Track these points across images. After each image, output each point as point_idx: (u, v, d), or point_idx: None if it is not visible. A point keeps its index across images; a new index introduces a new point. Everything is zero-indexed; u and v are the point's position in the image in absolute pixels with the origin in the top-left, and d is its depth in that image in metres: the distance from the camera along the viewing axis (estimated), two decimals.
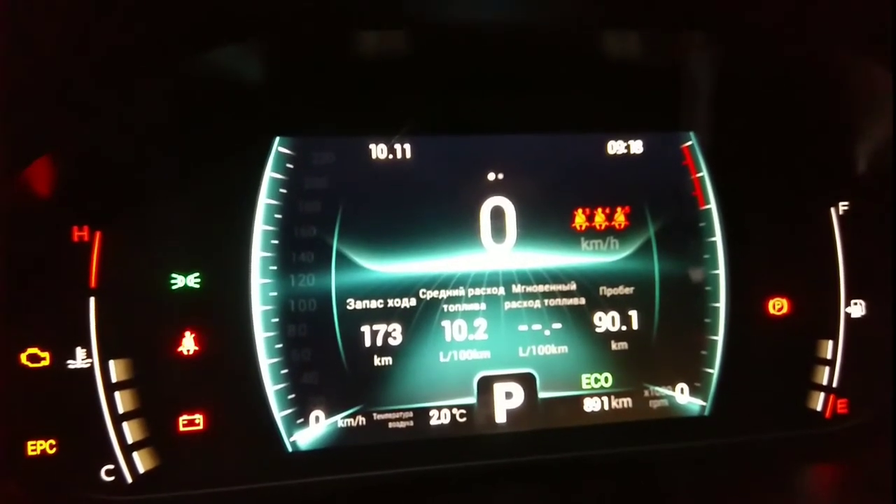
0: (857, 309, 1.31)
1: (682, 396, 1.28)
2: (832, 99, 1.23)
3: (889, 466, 1.15)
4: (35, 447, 1.09)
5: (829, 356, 1.30)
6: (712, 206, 1.29)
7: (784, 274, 1.30)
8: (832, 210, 1.31)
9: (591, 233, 1.27)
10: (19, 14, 0.84)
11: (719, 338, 1.28)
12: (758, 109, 1.31)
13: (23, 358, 1.09)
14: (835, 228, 1.31)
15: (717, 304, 1.28)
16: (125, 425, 1.11)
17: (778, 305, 1.30)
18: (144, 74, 0.97)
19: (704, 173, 1.30)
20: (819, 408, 1.30)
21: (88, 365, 1.11)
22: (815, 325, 1.31)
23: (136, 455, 1.12)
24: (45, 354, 1.09)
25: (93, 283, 1.11)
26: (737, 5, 1.01)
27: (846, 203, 1.31)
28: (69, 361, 1.10)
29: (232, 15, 0.91)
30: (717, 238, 1.29)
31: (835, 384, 1.29)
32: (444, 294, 1.23)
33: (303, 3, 0.90)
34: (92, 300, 1.11)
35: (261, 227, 1.18)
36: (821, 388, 1.30)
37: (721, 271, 1.28)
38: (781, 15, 1.02)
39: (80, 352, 1.10)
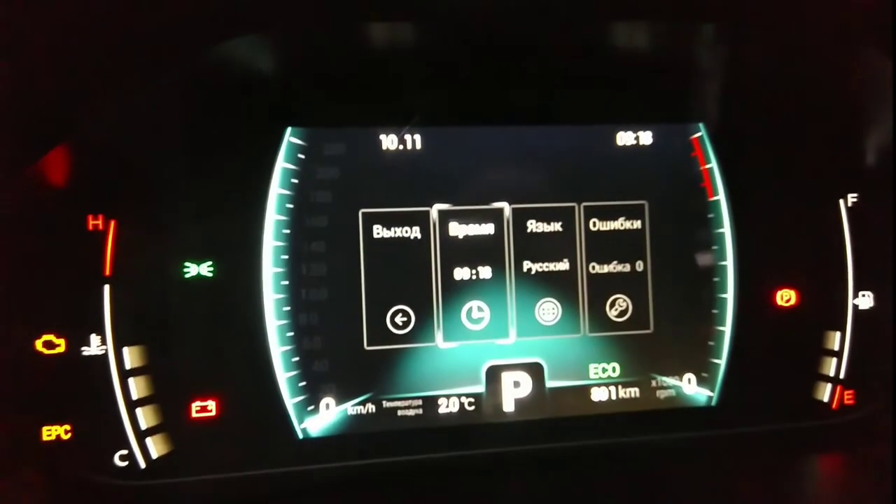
0: (865, 300, 1.31)
1: (690, 386, 1.29)
2: (841, 92, 1.23)
3: (894, 456, 1.16)
4: (50, 432, 1.10)
5: (836, 347, 1.30)
6: (721, 197, 1.30)
7: (792, 265, 1.31)
8: (841, 202, 1.31)
9: (600, 223, 1.28)
10: (36, 6, 0.85)
11: (727, 328, 1.28)
12: (767, 101, 1.31)
13: (38, 344, 1.10)
14: (843, 220, 1.31)
15: (724, 295, 1.29)
16: (139, 411, 1.13)
17: (786, 296, 1.31)
18: (159, 66, 0.98)
19: (713, 164, 1.30)
20: (826, 399, 1.30)
21: (103, 352, 1.12)
22: (823, 316, 1.31)
23: (149, 441, 1.13)
24: (61, 341, 1.11)
25: (107, 271, 1.13)
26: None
27: (855, 195, 1.31)
28: (84, 348, 1.12)
29: (245, 8, 0.92)
30: (726, 229, 1.29)
31: (842, 375, 1.30)
32: (452, 283, 1.24)
33: None
34: (106, 288, 1.12)
35: (273, 216, 1.19)
36: (828, 379, 1.30)
37: (729, 262, 1.29)
38: (789, 8, 1.03)
39: (94, 339, 1.12)
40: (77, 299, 1.12)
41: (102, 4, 0.88)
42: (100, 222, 1.13)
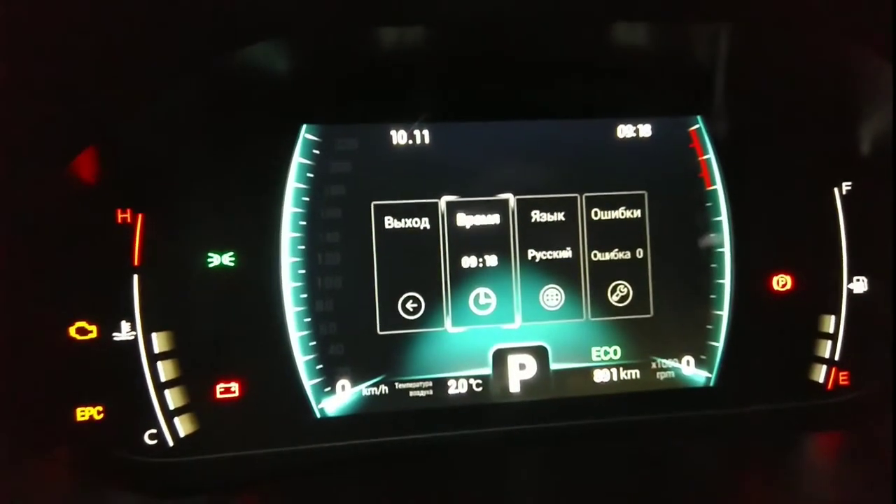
0: (859, 285, 1.34)
1: (689, 368, 1.33)
2: (835, 84, 1.26)
3: (888, 436, 1.20)
4: (84, 413, 1.16)
5: (831, 330, 1.33)
6: (718, 186, 1.33)
7: (788, 251, 1.34)
8: (835, 190, 1.34)
9: (602, 213, 1.32)
10: (68, 20, 0.90)
11: (724, 313, 1.32)
12: (763, 94, 1.34)
13: (72, 331, 1.15)
14: (838, 208, 1.34)
15: (722, 281, 1.32)
16: (167, 393, 1.18)
17: (782, 282, 1.34)
18: (184, 70, 1.03)
19: (711, 155, 1.33)
20: (821, 380, 1.34)
21: (133, 337, 1.17)
22: (818, 300, 1.34)
23: (177, 420, 1.18)
24: (93, 328, 1.16)
25: (136, 262, 1.17)
26: None
27: (849, 183, 1.34)
28: (115, 334, 1.17)
29: (263, 14, 0.96)
30: (723, 217, 1.33)
31: (836, 357, 1.33)
32: (460, 271, 1.29)
33: (328, 2, 0.96)
34: (135, 277, 1.17)
35: (290, 209, 1.23)
36: (823, 360, 1.33)
37: (726, 249, 1.32)
38: (788, 5, 1.06)
39: (124, 325, 1.17)
40: (108, 288, 1.17)
41: (132, 13, 0.92)
42: (128, 216, 1.18)
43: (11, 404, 1.06)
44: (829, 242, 1.35)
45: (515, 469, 1.22)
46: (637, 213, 1.33)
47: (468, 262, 1.29)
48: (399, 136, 1.28)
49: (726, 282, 1.32)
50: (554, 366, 1.30)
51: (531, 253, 1.30)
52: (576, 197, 1.32)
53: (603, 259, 1.32)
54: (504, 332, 1.30)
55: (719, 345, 1.32)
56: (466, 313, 1.29)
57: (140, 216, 1.18)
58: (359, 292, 1.26)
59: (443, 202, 1.29)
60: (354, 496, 1.15)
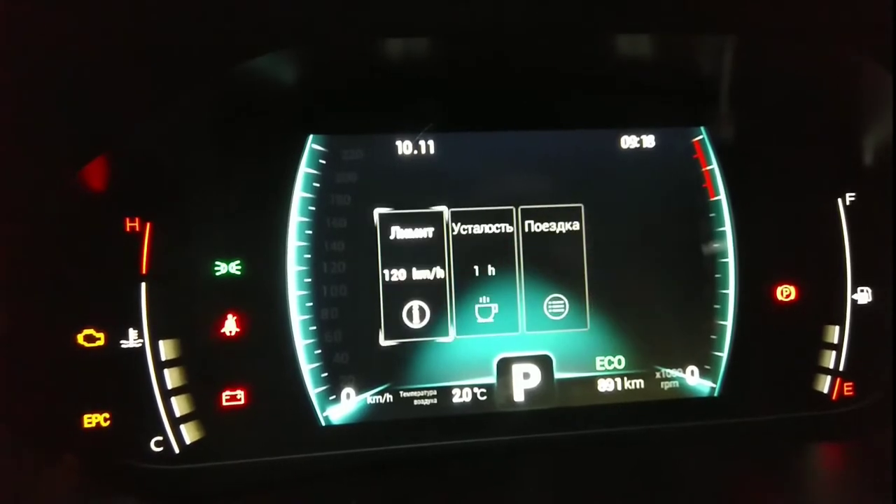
0: (864, 296, 1.34)
1: (693, 378, 1.33)
2: (838, 94, 1.27)
3: (892, 446, 1.19)
4: (90, 420, 1.16)
5: (835, 341, 1.33)
6: (722, 197, 1.33)
7: (792, 262, 1.34)
8: (839, 201, 1.35)
9: (605, 222, 1.32)
10: (78, 29, 0.91)
11: (728, 323, 1.32)
12: (767, 105, 1.35)
13: (80, 338, 1.16)
14: (842, 218, 1.34)
15: (726, 291, 1.33)
16: (173, 400, 1.19)
17: (786, 292, 1.34)
18: (192, 81, 1.04)
19: (714, 166, 1.34)
20: (826, 390, 1.33)
21: (140, 345, 1.18)
22: (823, 311, 1.34)
23: (183, 428, 1.19)
24: (101, 335, 1.17)
25: (144, 270, 1.19)
26: (747, 8, 1.05)
27: (853, 194, 1.34)
28: (122, 341, 1.18)
29: (270, 25, 0.98)
30: (727, 227, 1.33)
31: (841, 368, 1.33)
32: (465, 280, 1.29)
33: (334, 14, 0.97)
34: (143, 285, 1.18)
35: (296, 218, 1.25)
36: (827, 371, 1.33)
37: (730, 259, 1.33)
38: (791, 17, 1.06)
39: (132, 332, 1.18)
40: (116, 296, 1.18)
41: (142, 24, 0.94)
42: (136, 224, 1.19)
43: (19, 411, 1.07)
44: (832, 253, 1.35)
45: (519, 478, 1.22)
46: (641, 223, 1.33)
47: (472, 271, 1.30)
48: (404, 147, 1.30)
49: (730, 292, 1.33)
50: (558, 375, 1.30)
51: (535, 262, 1.31)
52: (579, 207, 1.32)
53: (607, 268, 1.32)
54: (508, 342, 1.30)
55: (723, 355, 1.32)
56: (471, 322, 1.29)
57: (148, 225, 1.19)
58: (363, 301, 1.27)
59: (447, 211, 1.30)
60: None
